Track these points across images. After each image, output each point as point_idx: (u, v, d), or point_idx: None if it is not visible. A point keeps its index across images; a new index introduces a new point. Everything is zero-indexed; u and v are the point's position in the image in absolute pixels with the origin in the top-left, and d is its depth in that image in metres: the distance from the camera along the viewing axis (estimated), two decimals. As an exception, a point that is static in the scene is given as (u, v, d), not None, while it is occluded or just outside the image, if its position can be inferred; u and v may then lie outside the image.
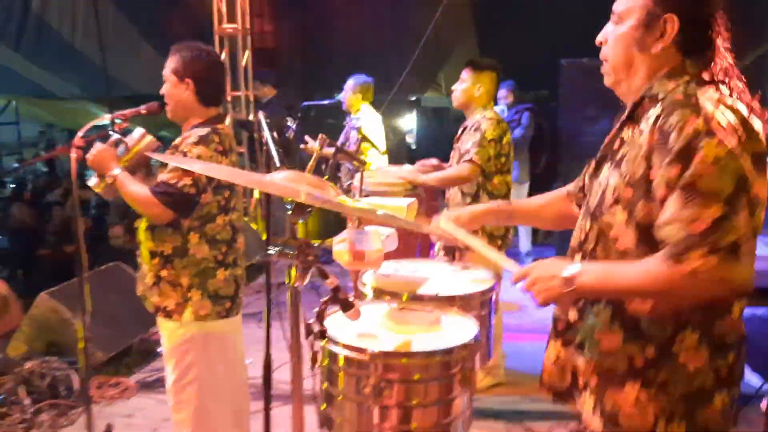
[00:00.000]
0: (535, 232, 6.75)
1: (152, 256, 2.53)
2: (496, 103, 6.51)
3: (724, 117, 1.37)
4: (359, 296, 2.02)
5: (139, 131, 2.63)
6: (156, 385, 4.04)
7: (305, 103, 5.36)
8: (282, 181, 1.34)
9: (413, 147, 11.83)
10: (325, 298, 1.63)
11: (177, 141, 2.53)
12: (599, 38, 1.61)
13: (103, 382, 3.97)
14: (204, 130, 2.48)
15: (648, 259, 1.40)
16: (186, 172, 2.38)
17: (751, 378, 3.79)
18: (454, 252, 2.31)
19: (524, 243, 6.57)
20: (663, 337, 1.47)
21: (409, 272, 2.22)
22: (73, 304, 3.92)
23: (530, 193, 6.43)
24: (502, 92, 6.54)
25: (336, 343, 1.61)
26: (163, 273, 2.51)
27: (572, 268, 1.48)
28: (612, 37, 1.57)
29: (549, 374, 1.70)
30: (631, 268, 1.43)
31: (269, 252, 1.29)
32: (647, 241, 1.44)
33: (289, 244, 1.39)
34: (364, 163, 3.54)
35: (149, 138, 2.62)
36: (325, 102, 5.31)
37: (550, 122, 6.89)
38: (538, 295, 1.53)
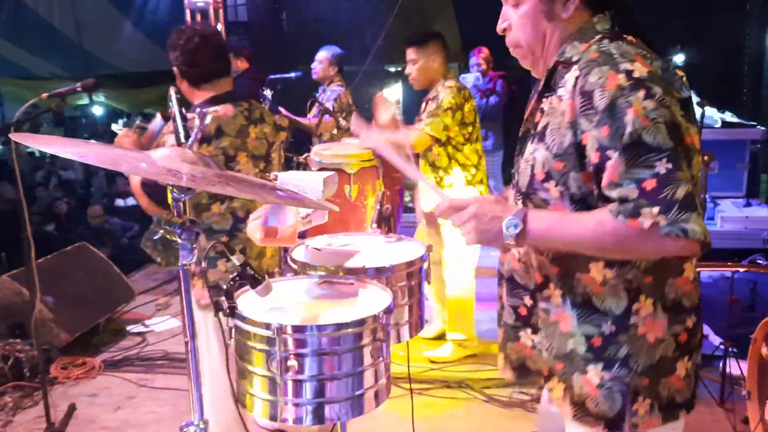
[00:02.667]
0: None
1: None
2: (468, 71, 6.48)
3: (644, 68, 1.32)
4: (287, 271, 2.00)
5: (158, 117, 2.57)
6: (122, 363, 4.06)
7: (271, 77, 5.29)
8: (161, 160, 1.30)
9: (399, 117, 11.77)
10: (233, 275, 1.62)
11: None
12: (501, 26, 1.55)
13: (68, 363, 3.97)
14: (189, 115, 2.33)
15: (597, 212, 1.35)
16: None
17: (714, 339, 3.81)
18: (389, 224, 2.29)
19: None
20: (618, 310, 1.43)
21: (340, 246, 2.20)
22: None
23: (504, 162, 6.40)
24: (474, 60, 6.47)
25: (243, 319, 1.60)
26: None
27: (520, 212, 1.41)
28: (516, 20, 1.51)
29: (507, 361, 1.66)
30: (583, 218, 1.37)
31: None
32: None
33: (173, 222, 1.37)
34: (317, 135, 3.50)
35: (162, 124, 2.55)
36: (291, 75, 5.23)
37: (524, 89, 6.82)
38: (471, 232, 1.45)
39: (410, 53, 3.69)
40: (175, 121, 1.67)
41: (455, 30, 8.27)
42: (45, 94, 2.74)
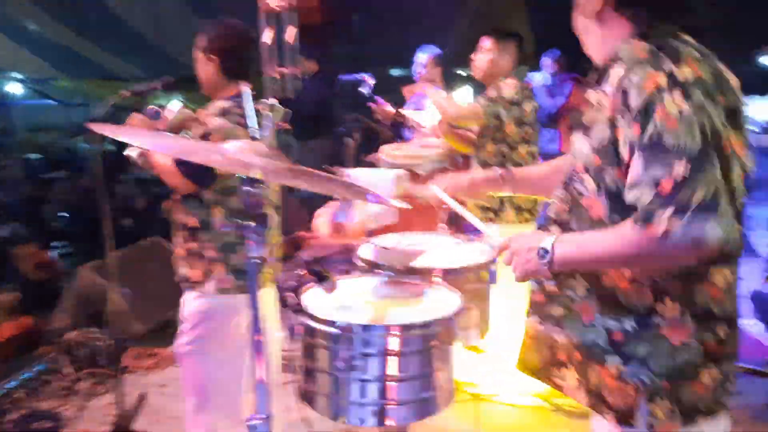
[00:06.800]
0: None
1: (181, 228, 2.55)
2: (539, 70, 6.37)
3: (691, 70, 1.29)
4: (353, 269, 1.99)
5: (176, 103, 2.62)
6: (191, 356, 4.15)
7: (341, 77, 5.31)
8: (234, 152, 1.31)
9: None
10: (301, 271, 1.63)
11: (198, 113, 2.55)
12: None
13: (140, 353, 4.10)
14: (227, 103, 2.48)
15: (621, 225, 1.34)
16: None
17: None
18: (458, 225, 2.26)
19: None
20: (641, 308, 1.42)
21: (409, 245, 2.18)
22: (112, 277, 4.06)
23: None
24: (546, 61, 6.38)
25: (309, 316, 1.60)
26: (191, 245, 2.53)
27: (548, 239, 1.44)
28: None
29: (526, 351, 1.65)
30: (605, 236, 1.38)
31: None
32: (619, 209, 1.37)
33: (245, 215, 1.37)
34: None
35: (186, 111, 2.61)
36: (360, 76, 5.20)
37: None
38: (516, 269, 1.52)
39: (486, 42, 3.56)
40: (244, 117, 1.69)
41: (528, 33, 8.14)
42: (126, 92, 2.81)
